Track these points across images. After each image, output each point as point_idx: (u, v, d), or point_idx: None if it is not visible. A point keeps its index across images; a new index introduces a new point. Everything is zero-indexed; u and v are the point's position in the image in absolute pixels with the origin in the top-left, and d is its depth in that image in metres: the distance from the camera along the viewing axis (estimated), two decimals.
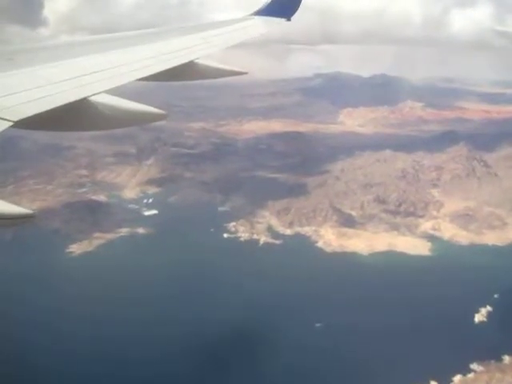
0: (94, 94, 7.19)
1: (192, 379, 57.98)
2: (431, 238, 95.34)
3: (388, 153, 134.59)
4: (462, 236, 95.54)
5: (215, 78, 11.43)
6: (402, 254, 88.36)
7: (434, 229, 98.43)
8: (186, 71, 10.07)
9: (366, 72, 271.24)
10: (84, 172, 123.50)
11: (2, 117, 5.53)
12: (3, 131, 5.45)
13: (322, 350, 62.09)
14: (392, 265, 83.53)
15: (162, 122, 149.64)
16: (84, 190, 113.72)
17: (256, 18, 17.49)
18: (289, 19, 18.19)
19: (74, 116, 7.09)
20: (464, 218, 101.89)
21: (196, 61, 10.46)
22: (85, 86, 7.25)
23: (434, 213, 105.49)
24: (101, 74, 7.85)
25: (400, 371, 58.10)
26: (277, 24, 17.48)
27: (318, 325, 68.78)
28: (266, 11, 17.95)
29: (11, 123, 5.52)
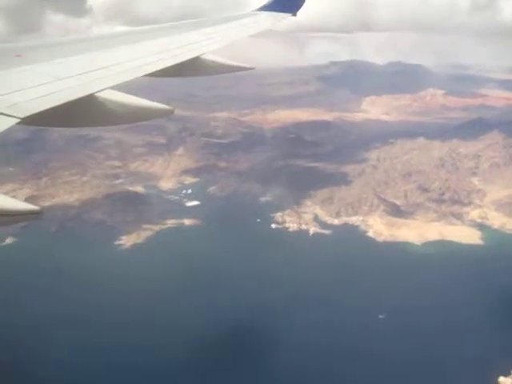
0: (99, 91, 7.21)
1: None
2: (480, 226, 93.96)
3: (422, 141, 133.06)
4: (511, 224, 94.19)
5: (221, 73, 11.47)
6: (455, 244, 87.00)
7: (482, 217, 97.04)
8: (191, 67, 10.15)
9: (381, 60, 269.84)
10: (116, 163, 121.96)
11: (10, 113, 5.51)
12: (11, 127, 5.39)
13: (395, 341, 60.87)
14: (446, 254, 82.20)
15: (187, 112, 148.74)
16: (120, 181, 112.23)
17: (261, 13, 17.48)
18: (294, 14, 18.07)
19: (80, 112, 7.13)
20: (509, 207, 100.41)
21: (201, 56, 10.51)
22: (91, 83, 7.33)
23: (478, 201, 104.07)
24: (107, 71, 7.95)
25: (477, 364, 57.00)
26: (282, 19, 17.43)
27: (381, 316, 67.61)
28: (271, 6, 17.97)
29: (18, 120, 5.49)
